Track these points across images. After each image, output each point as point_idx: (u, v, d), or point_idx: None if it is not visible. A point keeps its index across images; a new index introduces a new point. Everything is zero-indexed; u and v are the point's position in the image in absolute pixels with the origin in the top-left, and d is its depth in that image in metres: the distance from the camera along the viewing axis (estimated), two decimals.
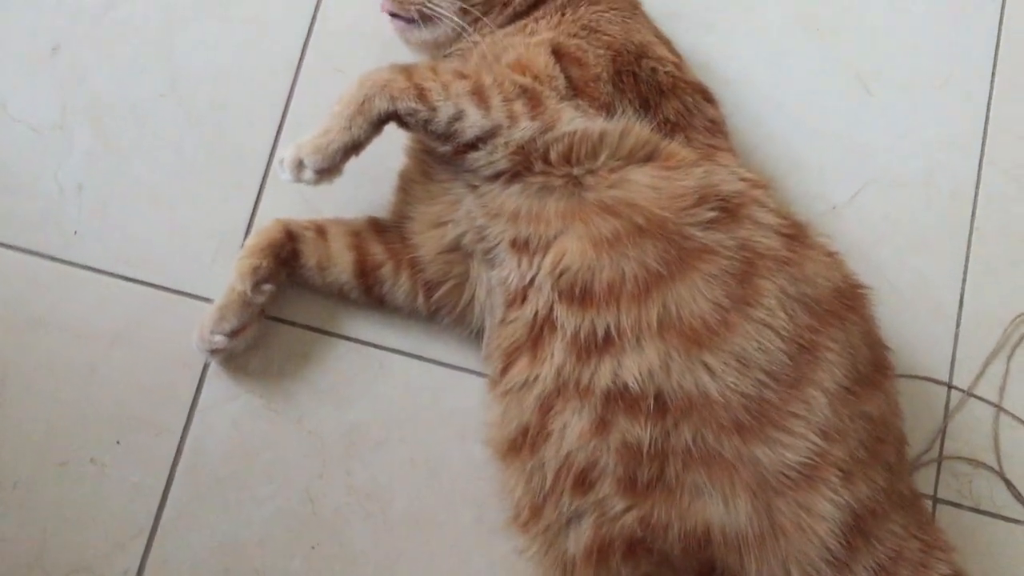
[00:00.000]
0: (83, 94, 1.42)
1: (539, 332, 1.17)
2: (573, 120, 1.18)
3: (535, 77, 1.21)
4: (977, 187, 1.56)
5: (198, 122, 1.42)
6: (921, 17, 1.61)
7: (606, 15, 1.31)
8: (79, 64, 1.43)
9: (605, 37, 1.27)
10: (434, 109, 1.17)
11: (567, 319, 1.13)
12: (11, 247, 1.36)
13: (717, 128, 1.31)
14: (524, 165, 1.17)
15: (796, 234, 1.18)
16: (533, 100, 1.18)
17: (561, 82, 1.22)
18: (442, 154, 1.23)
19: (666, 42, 1.36)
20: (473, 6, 1.33)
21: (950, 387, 1.46)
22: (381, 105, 1.18)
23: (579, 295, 1.13)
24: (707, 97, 1.32)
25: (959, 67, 1.60)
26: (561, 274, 1.14)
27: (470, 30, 1.33)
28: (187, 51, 1.45)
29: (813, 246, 1.19)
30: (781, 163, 1.53)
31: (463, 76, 1.20)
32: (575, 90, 1.22)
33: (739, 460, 1.07)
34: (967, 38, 1.61)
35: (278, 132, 1.43)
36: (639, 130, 1.18)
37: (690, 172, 1.17)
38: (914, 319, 1.48)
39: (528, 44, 1.26)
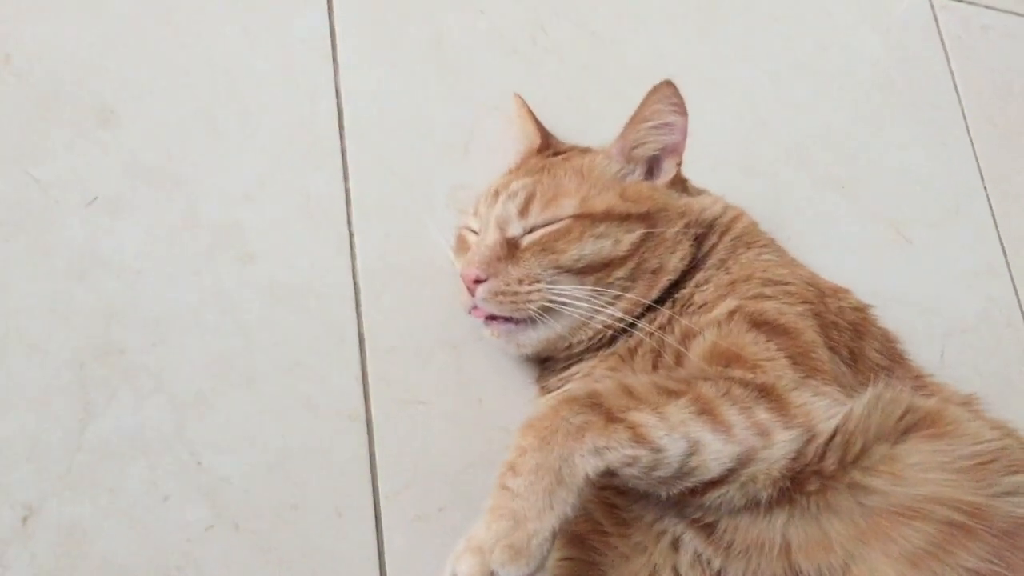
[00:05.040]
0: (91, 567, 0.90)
1: None
2: (830, 411, 0.90)
3: (753, 367, 0.94)
4: (1022, 310, 1.52)
5: (267, 549, 0.95)
6: (917, 153, 1.55)
7: (769, 257, 1.07)
8: (67, 528, 0.91)
9: (791, 288, 1.02)
10: (659, 450, 0.84)
11: None
12: None
13: (903, 354, 1.11)
14: (796, 487, 0.89)
15: None
16: (776, 401, 0.90)
17: (782, 363, 0.95)
18: (656, 496, 0.91)
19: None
20: (610, 284, 1.02)
21: None
22: (588, 465, 0.83)
23: None
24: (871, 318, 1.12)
25: (960, 192, 1.56)
26: None
27: (610, 311, 1.02)
28: (213, 444, 0.97)
29: None
30: None
31: (673, 392, 0.89)
32: (800, 370, 0.96)
33: None
34: (952, 165, 1.58)
35: (377, 513, 1.01)
36: (892, 395, 0.93)
37: (961, 434, 0.95)
38: None
39: (717, 322, 0.98)
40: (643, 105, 1.06)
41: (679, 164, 1.08)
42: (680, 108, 1.05)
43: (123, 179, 1.01)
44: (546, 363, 1.13)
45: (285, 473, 0.98)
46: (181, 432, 0.95)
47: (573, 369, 1.08)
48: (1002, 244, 1.55)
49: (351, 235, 1.09)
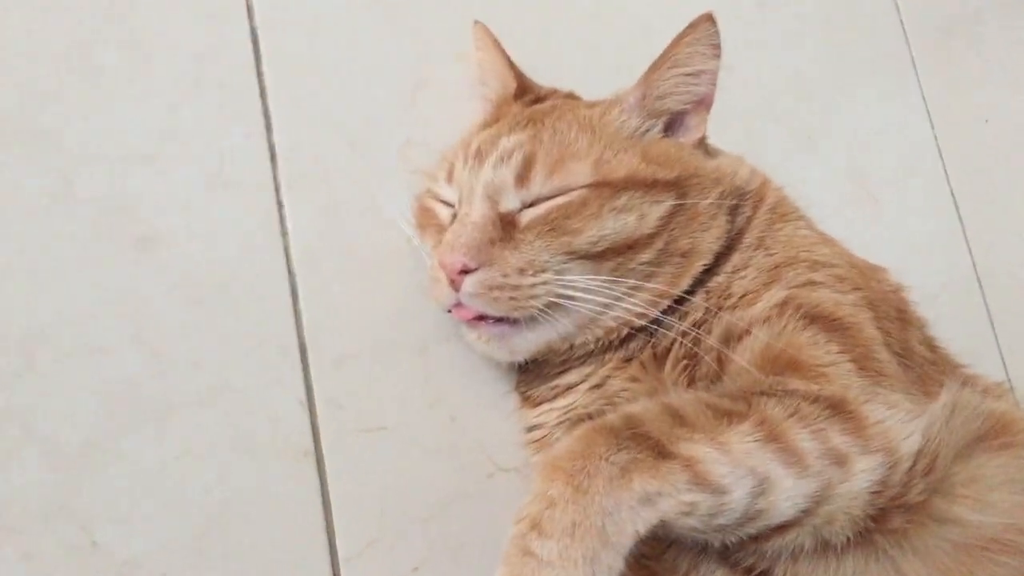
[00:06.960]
0: None
1: None
2: (907, 428, 0.74)
3: (817, 375, 0.76)
4: (979, 279, 1.43)
5: None
6: (873, 102, 1.41)
7: (807, 233, 0.88)
8: None
9: (840, 271, 0.85)
10: (722, 492, 0.66)
11: None
12: None
13: (934, 341, 0.96)
14: (878, 525, 0.72)
15: None
16: (850, 420, 0.72)
17: (846, 368, 0.77)
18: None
19: None
20: (631, 271, 0.81)
21: None
22: (639, 519, 0.64)
23: None
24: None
25: (915, 152, 1.44)
26: None
27: (629, 305, 0.80)
28: (112, 513, 0.68)
29: None
30: None
31: (732, 415, 0.70)
32: (866, 375, 0.78)
33: None
34: (906, 115, 1.46)
35: None
36: (966, 402, 0.78)
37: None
38: None
39: (766, 318, 0.79)
40: (675, 45, 0.83)
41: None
42: (718, 51, 0.84)
43: None
44: (528, 366, 0.90)
45: (214, 542, 0.72)
46: (66, 499, 0.66)
47: (571, 376, 0.86)
48: (956, 206, 1.45)
49: (280, 206, 0.82)
